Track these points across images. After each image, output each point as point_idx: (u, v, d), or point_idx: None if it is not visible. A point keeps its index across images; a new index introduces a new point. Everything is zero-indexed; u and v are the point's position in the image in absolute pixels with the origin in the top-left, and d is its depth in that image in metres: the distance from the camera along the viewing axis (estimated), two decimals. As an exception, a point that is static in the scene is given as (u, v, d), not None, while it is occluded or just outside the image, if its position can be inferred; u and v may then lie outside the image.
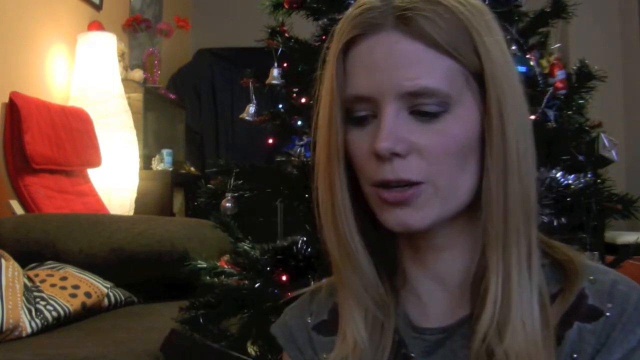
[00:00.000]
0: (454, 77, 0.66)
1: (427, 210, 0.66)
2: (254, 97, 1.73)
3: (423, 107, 0.65)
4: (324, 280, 0.82)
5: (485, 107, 0.67)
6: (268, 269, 1.57)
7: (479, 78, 0.67)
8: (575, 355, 0.65)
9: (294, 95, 1.73)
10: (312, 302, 0.81)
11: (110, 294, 2.26)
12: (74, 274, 2.20)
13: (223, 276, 1.66)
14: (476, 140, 0.67)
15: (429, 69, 0.65)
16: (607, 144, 1.57)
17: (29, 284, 2.01)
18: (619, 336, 0.64)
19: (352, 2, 1.57)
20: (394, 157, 0.65)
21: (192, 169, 4.76)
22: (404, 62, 0.65)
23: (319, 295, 0.80)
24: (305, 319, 0.80)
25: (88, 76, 3.51)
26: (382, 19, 0.66)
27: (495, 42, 0.68)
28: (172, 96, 4.75)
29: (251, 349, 1.58)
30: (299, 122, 1.69)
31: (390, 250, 0.75)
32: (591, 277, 0.68)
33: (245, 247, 1.64)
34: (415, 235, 0.71)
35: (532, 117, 1.43)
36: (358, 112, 0.68)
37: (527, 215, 0.68)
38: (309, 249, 1.53)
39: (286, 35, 1.69)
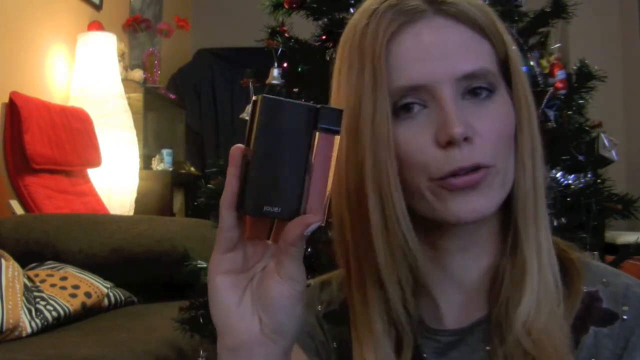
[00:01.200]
0: (494, 61, 0.67)
1: (492, 195, 0.66)
2: (254, 97, 1.73)
3: (477, 91, 0.66)
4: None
5: (513, 96, 0.68)
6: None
7: (503, 67, 0.68)
8: None
9: (294, 95, 1.73)
10: (323, 291, 0.80)
11: (110, 294, 2.26)
12: (74, 274, 2.20)
13: (223, 276, 1.66)
14: (514, 127, 0.68)
15: (477, 51, 0.66)
16: (607, 144, 1.57)
17: (29, 284, 2.01)
18: (639, 340, 0.64)
19: (352, 2, 1.57)
20: (463, 143, 0.64)
21: (192, 169, 4.76)
22: (455, 47, 0.65)
23: (330, 287, 0.80)
24: (315, 307, 0.79)
25: (88, 76, 3.52)
26: (423, 5, 0.66)
27: (509, 36, 0.70)
28: (172, 96, 4.75)
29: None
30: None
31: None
32: (604, 280, 0.68)
33: (245, 247, 1.63)
34: (440, 235, 0.70)
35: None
36: (404, 100, 0.65)
37: (544, 203, 0.70)
38: (309, 249, 1.53)
39: (286, 35, 1.69)
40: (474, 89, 0.66)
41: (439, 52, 0.65)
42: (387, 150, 0.65)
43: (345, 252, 0.71)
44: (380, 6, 0.67)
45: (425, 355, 0.71)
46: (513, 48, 0.69)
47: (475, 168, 0.64)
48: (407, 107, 0.65)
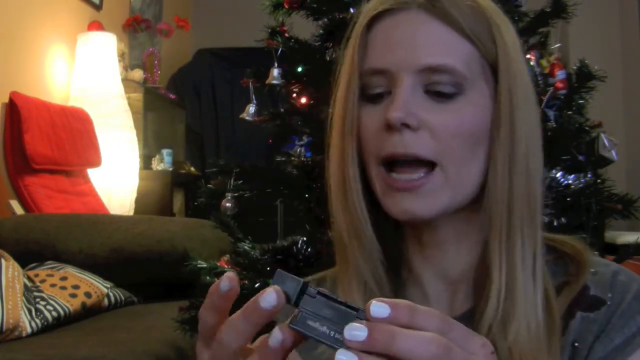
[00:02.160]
0: (471, 62, 0.67)
1: (434, 199, 0.66)
2: (254, 97, 1.73)
3: (438, 87, 0.66)
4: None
5: (497, 98, 0.68)
6: (268, 269, 1.57)
7: (493, 70, 0.68)
8: (576, 344, 0.65)
9: (294, 95, 1.73)
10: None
11: (110, 294, 2.26)
12: (74, 274, 2.20)
13: (223, 276, 1.66)
14: (485, 131, 0.67)
15: (449, 49, 0.67)
16: (607, 144, 1.57)
17: (29, 284, 2.01)
18: (619, 322, 0.65)
19: (352, 1, 1.57)
20: (404, 130, 0.65)
21: (192, 169, 4.76)
22: (426, 40, 0.67)
23: (324, 285, 0.80)
24: None
25: (88, 76, 3.52)
26: None
27: (512, 38, 0.69)
28: (172, 96, 4.75)
29: (251, 349, 1.57)
30: (299, 122, 1.69)
31: (397, 244, 0.75)
32: (592, 270, 0.69)
33: (245, 247, 1.64)
34: (420, 228, 0.71)
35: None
36: (374, 89, 0.68)
37: (532, 214, 0.67)
38: (309, 249, 1.53)
39: (286, 35, 1.69)
40: (438, 90, 0.66)
41: (408, 43, 0.67)
42: (349, 127, 0.69)
43: (335, 236, 0.73)
44: None
45: None
46: (507, 50, 0.68)
47: (410, 159, 0.65)
48: (375, 94, 0.68)
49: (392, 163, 0.67)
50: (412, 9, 0.68)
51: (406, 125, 0.65)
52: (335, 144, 0.71)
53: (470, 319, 0.69)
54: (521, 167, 0.67)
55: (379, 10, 0.69)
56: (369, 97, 0.69)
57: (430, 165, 0.66)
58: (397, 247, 0.74)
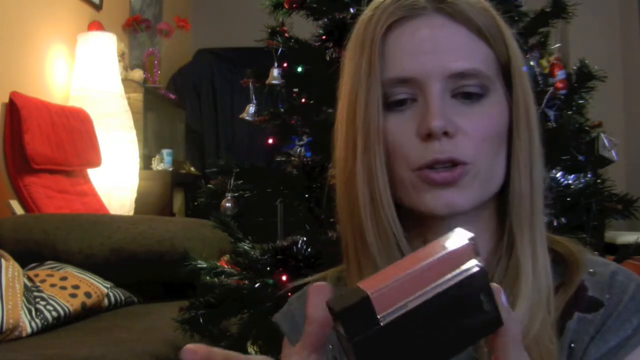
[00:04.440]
0: (490, 63, 0.68)
1: (470, 191, 0.67)
2: (254, 97, 1.73)
3: (466, 89, 0.67)
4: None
5: (512, 97, 0.69)
6: (268, 269, 1.57)
7: (504, 70, 0.70)
8: (573, 345, 0.66)
9: (294, 95, 1.73)
10: None
11: (110, 294, 2.26)
12: (74, 274, 2.20)
13: (223, 276, 1.66)
14: (505, 130, 0.69)
15: (472, 52, 0.67)
16: (607, 144, 1.57)
17: (29, 284, 2.01)
18: (615, 324, 0.65)
19: (352, 1, 1.57)
20: (442, 137, 0.66)
21: (192, 169, 4.76)
22: (449, 45, 0.67)
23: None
24: None
25: (88, 76, 3.52)
26: (424, 2, 0.68)
27: (514, 39, 0.71)
28: (172, 96, 4.75)
29: (251, 349, 1.58)
30: (299, 122, 1.69)
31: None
32: (591, 270, 0.69)
33: (245, 247, 1.64)
34: (426, 226, 0.71)
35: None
36: (397, 96, 0.68)
37: (542, 205, 0.70)
38: (309, 249, 1.53)
39: (286, 35, 1.69)
40: (464, 92, 0.67)
41: (432, 47, 0.67)
42: (376, 138, 0.68)
43: (344, 237, 0.73)
44: (386, 0, 0.70)
45: None
46: (516, 51, 0.70)
47: (453, 163, 0.66)
48: (399, 102, 0.68)
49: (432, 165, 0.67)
50: (429, 14, 0.68)
51: (445, 133, 0.66)
52: (360, 159, 0.69)
53: None
54: (537, 161, 0.70)
55: (395, 18, 0.68)
56: (392, 104, 0.68)
57: (463, 163, 0.67)
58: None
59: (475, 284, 0.41)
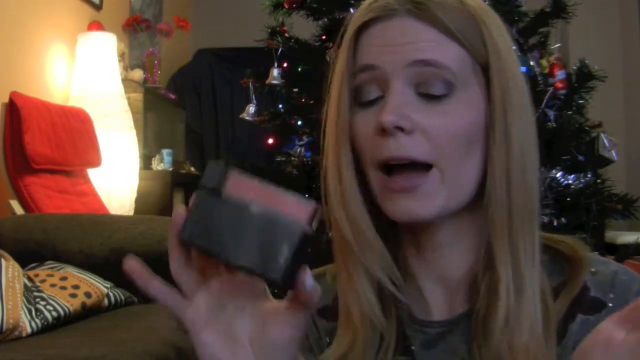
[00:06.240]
0: (461, 63, 0.67)
1: (433, 199, 0.66)
2: (254, 97, 1.74)
3: (429, 89, 0.66)
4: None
5: (490, 98, 0.68)
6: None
7: (485, 71, 0.68)
8: (576, 347, 0.65)
9: (294, 95, 1.73)
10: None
11: (110, 294, 2.26)
12: (74, 274, 2.20)
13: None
14: (480, 130, 0.68)
15: (438, 48, 0.67)
16: (607, 144, 1.57)
17: (29, 284, 2.01)
18: None
19: (352, 1, 1.57)
20: (398, 133, 0.65)
21: (192, 169, 4.76)
22: (415, 39, 0.67)
23: (323, 281, 0.79)
24: None
25: (88, 76, 3.51)
26: (397, 4, 0.68)
27: (503, 38, 0.70)
28: (172, 96, 4.75)
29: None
30: (299, 122, 1.69)
31: (394, 247, 0.75)
32: (592, 270, 0.68)
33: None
34: (417, 231, 0.71)
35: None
36: (367, 96, 0.69)
37: (531, 212, 0.68)
38: (309, 249, 1.53)
39: (286, 35, 1.69)
40: (428, 87, 0.66)
41: (399, 42, 0.67)
42: (344, 133, 0.69)
43: (335, 236, 0.73)
44: (367, 2, 0.71)
45: (413, 347, 0.72)
46: (497, 49, 0.68)
47: (404, 162, 0.66)
48: (367, 95, 0.69)
49: (390, 167, 0.67)
50: (400, 16, 0.68)
51: (400, 129, 0.65)
52: (331, 152, 0.71)
53: (469, 319, 0.69)
54: (516, 164, 0.67)
55: (366, 18, 0.69)
56: (362, 104, 0.69)
57: (426, 167, 0.66)
58: (394, 251, 0.74)
59: (287, 233, 0.50)
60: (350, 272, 0.71)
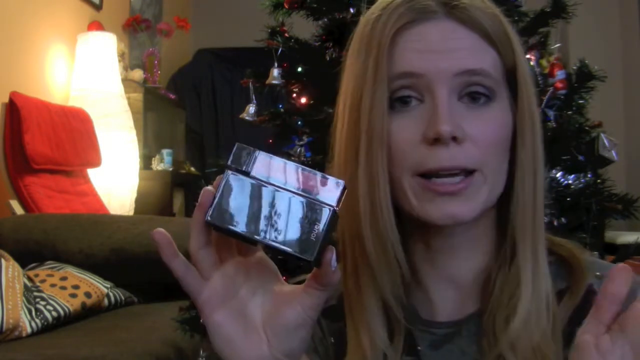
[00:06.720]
0: (497, 68, 0.68)
1: (476, 201, 0.66)
2: (254, 97, 1.73)
3: (474, 88, 0.66)
4: None
5: (517, 104, 0.68)
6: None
7: (510, 76, 0.69)
8: None
9: (294, 95, 1.73)
10: None
11: (110, 294, 2.26)
12: (74, 274, 2.20)
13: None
14: (510, 136, 0.68)
15: (481, 54, 0.67)
16: (607, 144, 1.57)
17: (29, 284, 2.01)
18: None
19: (352, 1, 1.57)
20: (451, 143, 0.64)
21: (192, 169, 4.76)
22: (458, 46, 0.66)
23: None
24: None
25: (88, 76, 3.51)
26: (435, 6, 0.67)
27: (520, 45, 0.70)
28: (172, 96, 4.75)
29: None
30: (299, 122, 1.69)
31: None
32: (598, 273, 0.68)
33: (246, 247, 1.63)
34: (430, 234, 0.71)
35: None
36: (402, 92, 0.66)
37: (543, 212, 0.70)
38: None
39: (286, 35, 1.69)
40: (472, 92, 0.66)
41: (442, 48, 0.66)
42: (380, 143, 0.66)
43: (342, 240, 0.72)
44: (395, 1, 0.68)
45: (419, 348, 0.72)
46: (523, 58, 0.69)
47: (456, 172, 0.65)
48: (404, 100, 0.67)
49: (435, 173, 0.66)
50: (439, 18, 0.67)
51: (454, 138, 0.64)
52: (364, 160, 0.67)
53: (479, 319, 0.69)
54: (541, 167, 0.69)
55: (405, 21, 0.67)
56: (395, 102, 0.67)
57: (471, 171, 0.66)
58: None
59: (319, 213, 0.50)
60: (361, 289, 0.70)
